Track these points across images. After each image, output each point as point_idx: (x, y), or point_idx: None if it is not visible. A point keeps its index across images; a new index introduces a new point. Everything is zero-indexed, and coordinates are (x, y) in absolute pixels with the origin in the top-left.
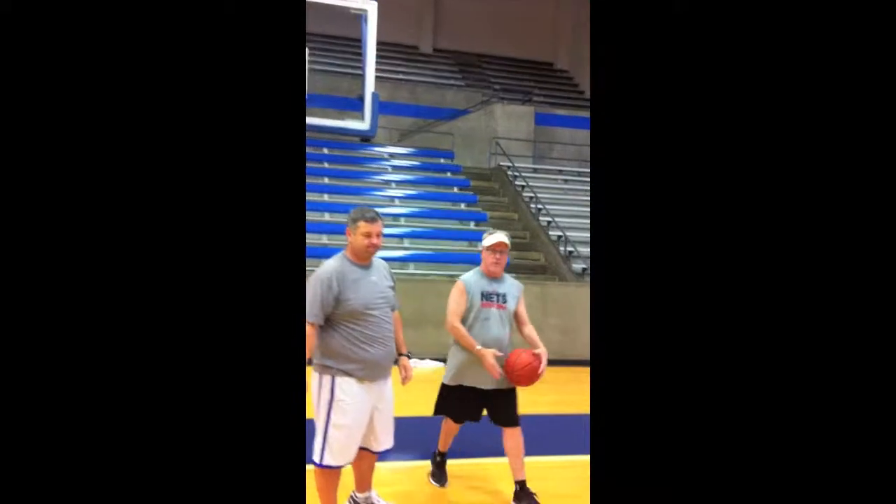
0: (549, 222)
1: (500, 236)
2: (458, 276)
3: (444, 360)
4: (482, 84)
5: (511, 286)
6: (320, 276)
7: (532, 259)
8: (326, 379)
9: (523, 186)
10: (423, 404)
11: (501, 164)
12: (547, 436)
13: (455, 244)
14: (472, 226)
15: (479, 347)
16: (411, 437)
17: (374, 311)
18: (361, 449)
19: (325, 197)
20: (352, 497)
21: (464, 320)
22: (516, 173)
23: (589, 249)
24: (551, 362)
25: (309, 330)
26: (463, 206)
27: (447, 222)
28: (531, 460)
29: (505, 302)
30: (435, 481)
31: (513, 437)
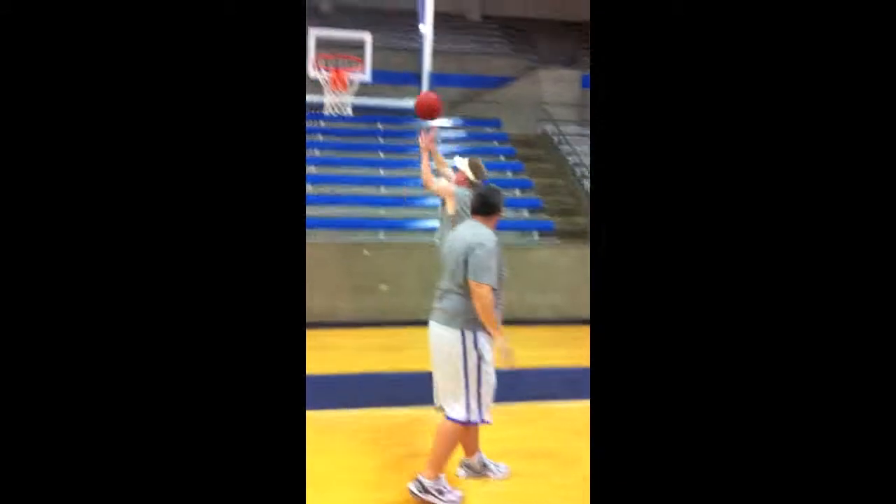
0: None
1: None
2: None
3: None
4: (527, 49)
5: None
6: (494, 246)
7: (576, 224)
8: (470, 336)
9: (570, 152)
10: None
11: (547, 129)
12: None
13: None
14: (517, 193)
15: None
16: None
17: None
18: None
19: (381, 172)
20: (464, 464)
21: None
22: (562, 138)
23: None
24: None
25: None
26: (509, 173)
27: None
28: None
29: None
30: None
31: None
